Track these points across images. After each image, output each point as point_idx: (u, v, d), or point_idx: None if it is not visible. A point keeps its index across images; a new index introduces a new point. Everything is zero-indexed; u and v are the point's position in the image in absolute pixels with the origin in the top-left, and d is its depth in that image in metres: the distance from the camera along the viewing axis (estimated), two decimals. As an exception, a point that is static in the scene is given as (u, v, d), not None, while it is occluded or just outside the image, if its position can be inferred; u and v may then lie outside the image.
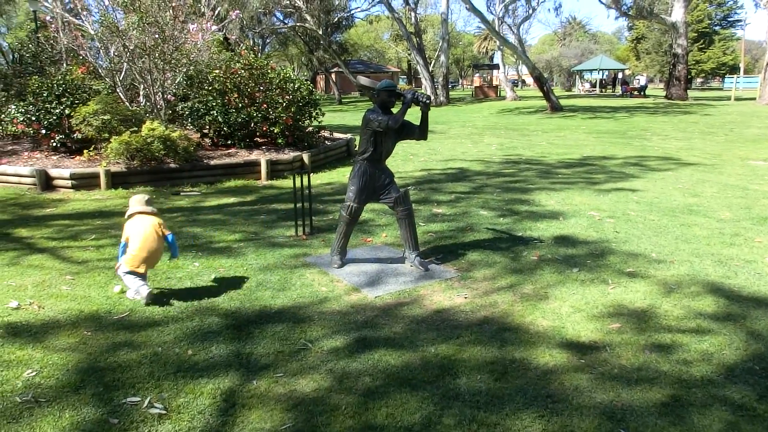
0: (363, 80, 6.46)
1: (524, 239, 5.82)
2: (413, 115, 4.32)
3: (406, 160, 11.50)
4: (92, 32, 10.71)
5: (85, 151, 9.40)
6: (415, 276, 4.82)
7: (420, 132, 4.92)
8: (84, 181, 8.57)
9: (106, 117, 9.13)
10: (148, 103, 10.85)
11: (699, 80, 67.82)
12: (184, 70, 11.02)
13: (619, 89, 42.35)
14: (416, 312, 4.09)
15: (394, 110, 4.82)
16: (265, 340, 3.63)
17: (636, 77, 45.66)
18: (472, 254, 5.36)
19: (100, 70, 11.21)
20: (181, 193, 8.47)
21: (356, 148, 12.91)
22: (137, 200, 4.51)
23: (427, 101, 4.71)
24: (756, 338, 3.61)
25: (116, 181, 8.69)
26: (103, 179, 8.56)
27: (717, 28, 66.84)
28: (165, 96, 10.87)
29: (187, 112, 10.52)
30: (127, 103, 10.89)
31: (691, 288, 4.46)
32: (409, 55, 50.14)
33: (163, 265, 5.09)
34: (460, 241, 5.78)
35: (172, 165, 9.08)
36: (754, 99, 32.62)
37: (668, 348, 3.50)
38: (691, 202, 7.50)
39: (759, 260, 5.13)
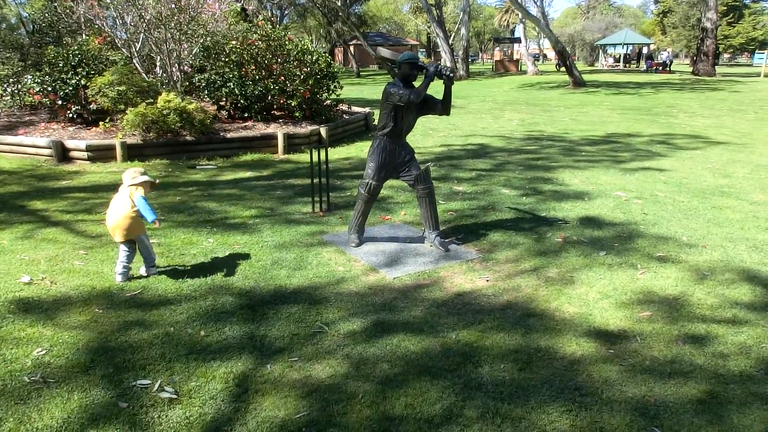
0: (384, 52, 6.16)
1: (548, 220, 5.62)
2: (435, 88, 4.12)
3: (425, 135, 11.26)
4: (108, 1, 10.51)
5: (101, 122, 9.30)
6: (435, 256, 4.67)
7: (443, 107, 4.70)
8: (100, 153, 8.49)
9: (121, 88, 9.00)
10: (164, 75, 10.70)
11: (726, 56, 65.94)
12: (201, 41, 10.82)
13: (643, 64, 41.27)
14: (436, 295, 3.94)
15: (416, 84, 4.61)
16: (280, 321, 3.51)
17: (660, 52, 44.40)
18: (494, 235, 5.18)
19: (116, 41, 11.06)
20: (197, 167, 8.36)
21: (376, 123, 12.68)
22: (125, 176, 4.21)
23: (451, 75, 4.49)
24: (797, 330, 3.41)
25: (132, 153, 8.60)
26: (119, 151, 8.47)
27: (747, 1, 64.73)
28: (181, 67, 10.71)
29: (203, 84, 10.35)
30: (144, 75, 10.75)
31: (725, 275, 4.25)
32: (429, 27, 49.23)
33: (177, 240, 4.99)
34: (481, 221, 5.60)
35: (188, 138, 8.96)
36: (785, 76, 31.56)
37: (703, 339, 3.32)
38: (722, 183, 7.21)
39: (796, 246, 4.88)
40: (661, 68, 38.22)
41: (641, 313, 3.65)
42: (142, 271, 4.23)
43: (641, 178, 7.48)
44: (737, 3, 60.16)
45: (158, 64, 10.99)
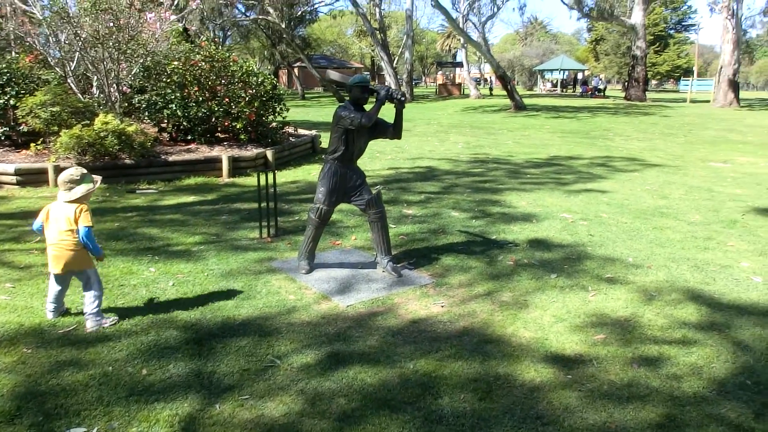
0: (333, 75, 6.07)
1: (499, 242, 5.64)
2: (385, 112, 4.07)
3: (372, 158, 11.24)
4: (41, 18, 10.06)
5: (32, 144, 8.81)
6: (388, 282, 4.58)
7: (394, 130, 4.67)
8: (30, 177, 8.02)
9: (55, 109, 8.57)
10: (101, 95, 10.28)
11: (654, 82, 69.66)
12: (141, 60, 10.49)
13: (579, 89, 43.07)
14: (391, 323, 3.84)
15: (367, 107, 4.56)
16: (229, 356, 3.32)
17: (593, 78, 46.52)
18: (446, 258, 5.15)
19: (49, 59, 10.57)
20: (137, 191, 8.01)
21: (323, 146, 12.58)
22: (60, 182, 3.63)
23: (402, 99, 4.47)
24: (743, 349, 3.50)
25: (66, 177, 8.15)
26: (51, 175, 8.02)
27: (672, 31, 68.78)
28: (120, 88, 10.33)
29: (144, 105, 10.01)
30: (79, 95, 10.30)
31: (671, 295, 4.34)
32: (373, 51, 49.83)
33: (116, 270, 4.71)
34: (432, 245, 5.56)
35: (127, 161, 8.60)
36: (708, 101, 33.57)
37: (656, 361, 3.35)
38: (661, 204, 7.47)
39: (734, 265, 5.07)
40: (595, 93, 39.96)
41: (595, 336, 3.66)
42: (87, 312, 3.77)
43: (585, 200, 7.67)
44: (663, 33, 63.84)
45: (95, 84, 10.55)
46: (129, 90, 10.86)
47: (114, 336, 3.53)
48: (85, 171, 3.68)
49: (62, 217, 3.56)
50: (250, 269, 4.83)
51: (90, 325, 3.62)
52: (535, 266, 4.96)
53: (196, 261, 5.00)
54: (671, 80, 74.21)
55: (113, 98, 10.25)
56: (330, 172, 4.60)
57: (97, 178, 3.75)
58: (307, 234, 4.75)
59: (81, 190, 3.60)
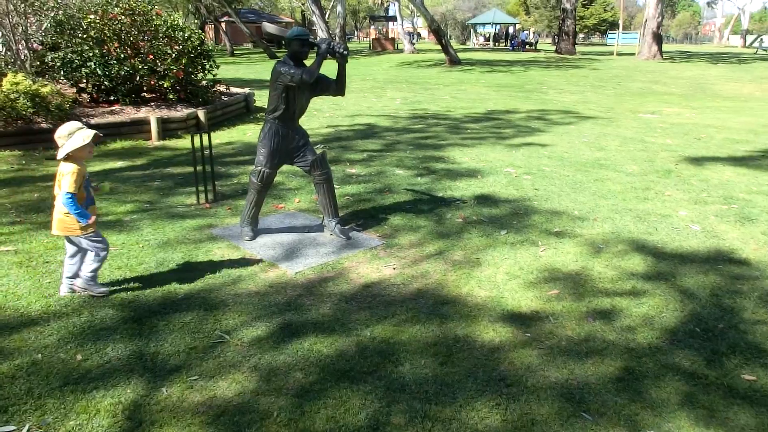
0: (269, 27, 5.64)
1: (446, 200, 5.56)
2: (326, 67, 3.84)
3: (310, 117, 10.88)
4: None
5: (-69, 109, 7.95)
6: (337, 246, 4.42)
7: (337, 87, 4.42)
8: (-68, 146, 7.26)
9: (-45, 69, 7.73)
10: (9, 54, 9.37)
11: (581, 36, 71.05)
12: (52, 14, 9.59)
13: (508, 44, 43.45)
14: (343, 288, 3.71)
15: (307, 63, 4.29)
16: (173, 334, 3.10)
17: (522, 33, 46.95)
18: (394, 218, 5.02)
19: (-56, 13, 9.48)
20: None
21: (257, 104, 12.06)
22: (57, 136, 3.33)
23: (345, 52, 4.21)
24: (690, 297, 3.58)
25: (-26, 144, 7.44)
26: (-44, 143, 7.29)
27: (598, -16, 69.91)
28: (29, 44, 9.43)
29: (58, 64, 9.19)
30: (-17, 53, 9.36)
31: (618, 247, 4.41)
32: (303, 4, 48.16)
33: (39, 245, 4.33)
34: (379, 204, 5.42)
35: (44, 125, 7.91)
36: (633, 54, 34.54)
37: (610, 314, 3.37)
38: (599, 156, 7.60)
39: (673, 214, 5.21)
40: (524, 47, 40.41)
41: (549, 291, 3.66)
42: (62, 289, 3.53)
43: (526, 154, 7.70)
44: (590, -14, 64.77)
45: (0, 41, 9.60)
46: (40, 47, 9.96)
47: (41, 319, 3.23)
48: (79, 125, 3.32)
49: (58, 176, 3.30)
50: (189, 238, 4.55)
51: (79, 284, 3.48)
52: (484, 223, 4.92)
53: (129, 231, 4.66)
54: (597, 33, 75.96)
55: (23, 56, 9.37)
56: (270, 132, 4.33)
57: (90, 132, 3.31)
58: (248, 199, 4.49)
59: (67, 146, 3.25)
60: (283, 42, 4.32)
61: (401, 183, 6.16)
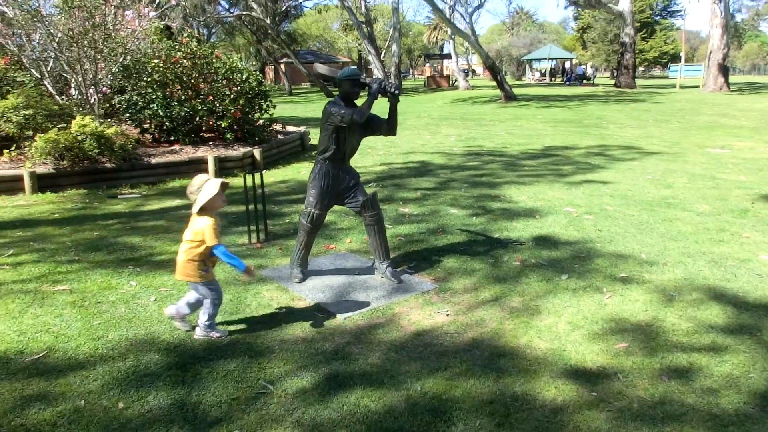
0: (321, 68, 5.70)
1: (502, 241, 5.33)
2: (377, 107, 3.74)
3: (364, 155, 10.89)
4: (11, 16, 9.60)
5: (5, 150, 8.39)
6: (388, 289, 4.26)
7: (388, 126, 4.33)
8: (5, 185, 7.61)
9: (28, 112, 8.16)
10: (79, 97, 9.86)
11: (641, 69, 69.70)
12: (120, 60, 10.07)
13: (561, 79, 43.01)
14: (393, 336, 3.52)
15: (359, 102, 4.22)
16: (216, 382, 2.99)
17: (577, 67, 46.39)
18: (448, 261, 4.83)
19: (24, 60, 10.12)
20: (119, 196, 7.63)
21: (312, 142, 12.21)
22: (188, 189, 3.43)
23: (396, 92, 4.13)
24: (779, 355, 3.21)
25: (43, 184, 7.76)
26: (27, 182, 7.62)
27: (658, 18, 68.78)
28: (99, 88, 9.90)
29: (124, 106, 9.60)
30: (57, 97, 9.87)
31: (692, 295, 4.05)
32: (360, 44, 49.35)
33: (93, 285, 4.36)
34: (432, 246, 5.24)
35: (108, 165, 8.21)
36: (697, 87, 33.45)
37: (687, 373, 3.05)
38: (666, 194, 7.19)
39: (753, 258, 4.79)
40: (581, 81, 39.86)
41: (617, 345, 3.36)
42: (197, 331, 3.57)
43: (587, 192, 7.38)
44: (649, 20, 63.80)
45: (73, 85, 10.13)
46: (109, 91, 10.45)
47: (88, 363, 3.19)
48: (206, 177, 3.44)
49: (191, 226, 3.43)
50: (238, 279, 4.49)
51: (198, 333, 3.52)
52: (544, 266, 4.66)
53: (181, 272, 4.64)
54: (658, 66, 74.30)
55: (92, 100, 9.83)
56: (321, 173, 4.26)
57: (217, 181, 3.40)
58: (298, 240, 4.41)
59: (200, 200, 3.35)
60: (335, 83, 4.28)
61: (455, 223, 5.97)
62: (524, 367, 3.12)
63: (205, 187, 3.35)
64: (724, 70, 29.75)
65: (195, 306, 3.59)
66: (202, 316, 3.49)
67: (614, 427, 2.60)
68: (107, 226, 6.09)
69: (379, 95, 4.11)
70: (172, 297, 4.11)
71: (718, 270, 4.52)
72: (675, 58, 61.78)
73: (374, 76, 33.38)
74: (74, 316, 3.78)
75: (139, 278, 4.50)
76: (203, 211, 3.37)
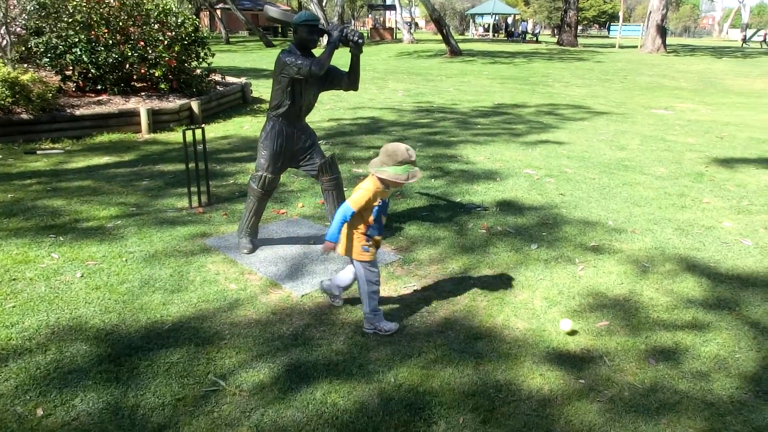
0: (273, 12, 5.08)
1: (465, 206, 5.04)
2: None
3: (310, 109, 10.31)
4: None
5: None
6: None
7: (350, 80, 3.87)
8: None
9: (-73, 53, 7.12)
10: (-12, 37, 8.75)
11: (580, 27, 70.40)
12: (36, -4, 8.95)
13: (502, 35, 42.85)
14: (358, 315, 3.19)
15: (316, 52, 3.74)
16: (158, 379, 2.57)
17: (520, 24, 46.31)
18: (409, 228, 4.50)
19: None
20: (38, 152, 6.84)
21: (254, 95, 11.47)
22: (381, 150, 2.94)
23: (360, 41, 3.66)
24: (763, 333, 3.08)
25: (-53, 136, 6.86)
26: (-72, 134, 6.70)
27: (599, -24, 69.24)
28: (10, 29, 8.81)
29: (42, 50, 8.58)
30: (-39, 37, 8.73)
31: (665, 266, 3.90)
32: (301, -8, 47.22)
33: (7, 258, 3.79)
34: (392, 211, 4.89)
35: (24, 116, 7.33)
36: (635, 47, 34.00)
37: (674, 354, 2.87)
38: (622, 157, 7.09)
39: (717, 226, 4.70)
40: (524, 38, 39.87)
41: (597, 323, 3.15)
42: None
43: (544, 153, 7.18)
44: (591, -23, 64.10)
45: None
46: (24, 32, 9.33)
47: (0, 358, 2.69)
48: (412, 157, 2.82)
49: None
50: (179, 250, 4.01)
51: (366, 326, 3.03)
52: (511, 234, 4.40)
53: (112, 241, 4.12)
54: (596, 25, 75.33)
55: (3, 42, 8.75)
56: (273, 132, 3.78)
57: (418, 176, 2.90)
58: (247, 207, 3.95)
59: (384, 172, 2.82)
60: (289, 28, 3.76)
61: (413, 186, 5.62)
62: (504, 351, 2.86)
63: (401, 168, 2.80)
64: (662, 31, 30.25)
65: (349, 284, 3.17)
66: (364, 306, 3.01)
67: (608, 420, 2.38)
68: (24, 187, 5.40)
69: (340, 44, 3.63)
70: (102, 272, 3.61)
71: (686, 238, 4.40)
72: (613, 17, 62.67)
73: (333, 23, 32.10)
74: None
75: (62, 249, 3.95)
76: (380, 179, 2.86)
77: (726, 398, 2.54)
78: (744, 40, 42.61)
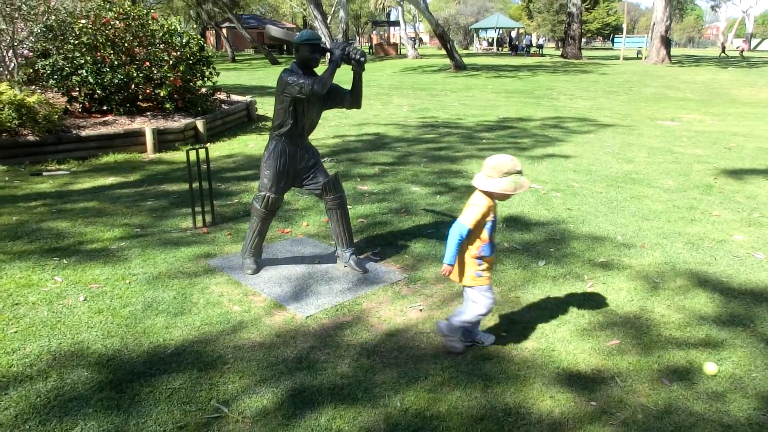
0: (274, 31, 5.12)
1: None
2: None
3: (315, 126, 10.32)
4: None
5: None
6: (353, 281, 3.84)
7: (352, 98, 3.86)
8: None
9: (-66, 78, 7.19)
10: (-4, 61, 8.85)
11: (584, 40, 70.61)
12: (43, 19, 9.07)
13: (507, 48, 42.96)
14: (364, 337, 3.13)
15: (318, 70, 3.73)
16: (160, 405, 2.52)
17: (524, 37, 46.49)
18: (415, 245, 4.45)
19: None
20: (44, 173, 6.86)
21: (259, 112, 11.51)
22: (485, 163, 2.78)
23: (362, 59, 3.64)
24: (779, 350, 3.00)
25: (-45, 159, 6.90)
26: (-65, 158, 6.74)
27: (601, -12, 69.49)
28: (17, 51, 8.90)
29: (48, 72, 8.65)
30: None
31: (676, 281, 3.83)
32: (305, 10, 47.75)
33: (10, 282, 3.76)
34: (397, 228, 4.85)
35: (31, 137, 7.37)
36: (640, 58, 34.05)
37: (688, 374, 2.79)
38: (629, 169, 7.02)
39: (728, 239, 4.63)
40: (528, 52, 39.99)
41: (608, 342, 3.08)
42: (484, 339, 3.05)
43: (550, 167, 7.13)
44: (593, -10, 64.30)
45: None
46: (31, 54, 9.43)
47: (0, 385, 2.65)
48: (519, 166, 2.74)
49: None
50: (183, 271, 3.98)
51: (443, 326, 2.96)
52: (518, 251, 4.35)
53: (116, 263, 4.09)
54: (599, 38, 75.51)
55: (11, 65, 8.83)
56: (276, 151, 3.76)
57: (526, 186, 2.77)
58: (251, 227, 3.92)
59: (491, 184, 2.72)
60: (292, 47, 3.76)
61: (419, 202, 5.58)
62: (513, 373, 2.80)
63: (510, 179, 2.69)
64: (667, 42, 30.30)
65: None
66: (459, 315, 2.91)
67: (622, 445, 2.31)
68: (29, 209, 5.40)
69: (342, 63, 3.62)
70: (105, 295, 3.57)
71: (696, 253, 4.33)
72: (617, 29, 62.86)
73: (336, 41, 32.38)
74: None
75: (65, 272, 3.92)
76: (487, 193, 2.78)
77: (743, 420, 2.46)
78: (723, 50, 42.67)
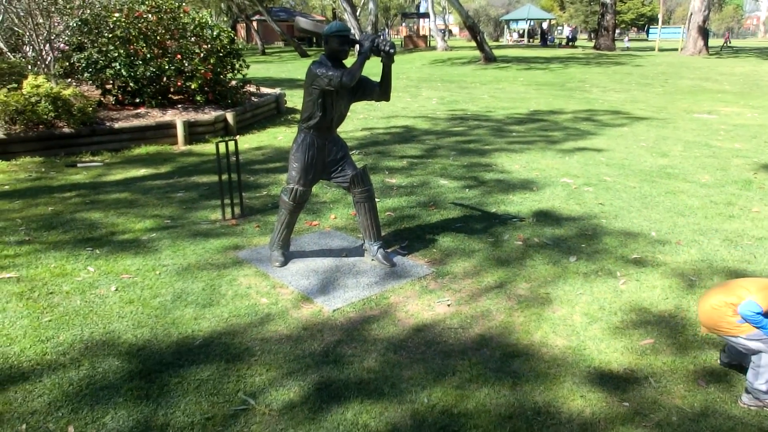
0: (304, 23, 5.13)
1: (500, 217, 4.92)
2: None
3: (344, 118, 10.31)
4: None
5: (-49, 113, 7.62)
6: (380, 274, 3.82)
7: (381, 90, 3.82)
8: (-50, 152, 6.91)
9: (-26, 71, 7.38)
10: (33, 55, 9.03)
11: (618, 31, 69.19)
12: (79, 13, 9.23)
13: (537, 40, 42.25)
14: (391, 332, 3.11)
15: (347, 62, 3.70)
16: (188, 396, 2.54)
17: (557, 28, 45.67)
18: (443, 239, 4.41)
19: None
20: (78, 165, 7.00)
21: (288, 105, 11.56)
22: None
23: (391, 51, 3.60)
24: (822, 353, 2.88)
25: (-6, 150, 7.08)
26: (-25, 149, 6.93)
27: (636, -22, 67.89)
28: (54, 45, 9.08)
29: (83, 65, 8.81)
30: (9, 54, 9.03)
31: (713, 279, 3.71)
32: (335, 2, 47.77)
33: (45, 271, 3.84)
34: (425, 222, 4.81)
35: (66, 129, 7.52)
36: (675, 50, 33.19)
37: (725, 375, 2.70)
38: (664, 164, 6.84)
39: (769, 236, 4.47)
40: (568, 44, 39.29)
41: (641, 341, 3.00)
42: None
43: (582, 161, 6.99)
44: (628, -20, 62.89)
45: (26, 41, 9.28)
46: (67, 48, 9.61)
47: (33, 372, 2.71)
48: None
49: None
50: (212, 263, 4.01)
51: (746, 400, 2.52)
52: (548, 246, 4.27)
53: (147, 254, 4.15)
54: (634, 29, 73.86)
55: (47, 58, 9.02)
56: (305, 144, 3.75)
57: None
58: (279, 220, 3.93)
59: None
60: (321, 39, 3.73)
61: (448, 196, 5.53)
62: (542, 371, 2.74)
63: None
64: (704, 32, 29.46)
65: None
66: (753, 376, 2.50)
67: (655, 447, 2.25)
68: (64, 200, 5.51)
69: (371, 55, 3.58)
70: (135, 286, 3.62)
71: (735, 250, 4.19)
72: (652, 20, 61.38)
73: (366, 32, 32.32)
74: (20, 311, 3.28)
75: (98, 262, 3.99)
76: None
77: (784, 425, 2.37)
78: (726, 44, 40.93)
